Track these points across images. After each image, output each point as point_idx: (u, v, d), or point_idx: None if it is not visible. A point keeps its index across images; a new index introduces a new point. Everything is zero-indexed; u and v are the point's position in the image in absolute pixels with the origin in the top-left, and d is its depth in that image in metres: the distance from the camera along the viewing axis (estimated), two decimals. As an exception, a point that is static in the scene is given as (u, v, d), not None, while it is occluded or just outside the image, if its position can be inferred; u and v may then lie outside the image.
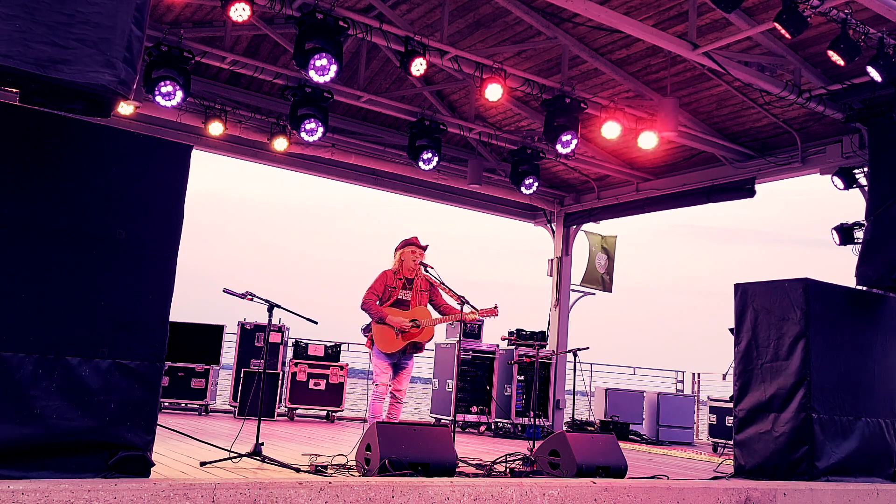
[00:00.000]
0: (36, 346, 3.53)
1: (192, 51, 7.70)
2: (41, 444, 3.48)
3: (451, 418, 9.67)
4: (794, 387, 6.06)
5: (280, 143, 9.59)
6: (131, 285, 3.79)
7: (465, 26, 8.40)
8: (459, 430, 10.54)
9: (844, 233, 9.03)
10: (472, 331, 11.17)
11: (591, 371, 15.21)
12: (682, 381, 15.35)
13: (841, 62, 6.51)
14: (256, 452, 5.05)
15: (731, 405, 7.71)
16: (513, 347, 11.09)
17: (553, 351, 11.68)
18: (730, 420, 10.07)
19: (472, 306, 6.24)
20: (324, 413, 11.01)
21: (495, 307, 6.44)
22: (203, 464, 4.84)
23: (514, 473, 5.29)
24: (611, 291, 13.10)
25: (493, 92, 7.86)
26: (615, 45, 8.42)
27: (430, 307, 6.62)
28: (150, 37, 7.49)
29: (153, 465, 3.76)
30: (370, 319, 6.51)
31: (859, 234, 8.81)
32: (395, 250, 6.67)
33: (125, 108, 8.49)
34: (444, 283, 6.48)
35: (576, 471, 5.23)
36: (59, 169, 3.68)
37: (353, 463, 5.02)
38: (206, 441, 5.56)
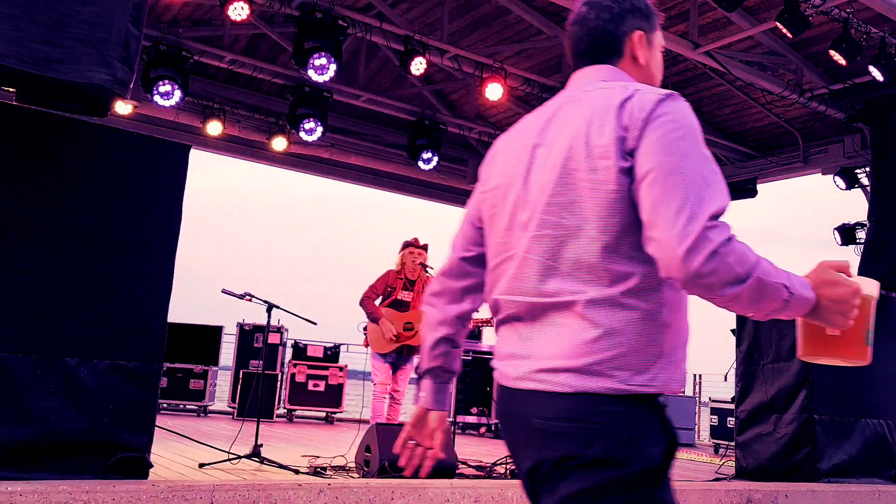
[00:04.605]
0: (34, 347, 3.50)
1: (191, 50, 7.68)
2: (39, 445, 3.45)
3: (450, 419, 9.64)
4: (795, 388, 6.04)
5: (279, 143, 9.56)
6: (129, 285, 3.76)
7: (465, 25, 8.38)
8: (459, 431, 10.51)
9: (846, 233, 9.02)
10: (472, 332, 11.15)
11: (591, 371, 15.14)
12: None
13: (843, 62, 6.49)
14: (255, 454, 5.02)
15: (732, 406, 7.68)
16: (513, 348, 11.06)
17: (553, 351, 11.65)
18: (731, 421, 10.04)
19: None
20: (323, 414, 10.97)
21: None
22: (202, 465, 4.81)
23: (514, 475, 5.26)
24: (611, 291, 13.06)
25: (494, 91, 7.84)
26: (616, 45, 8.39)
27: None
28: (149, 36, 7.47)
29: (151, 466, 3.74)
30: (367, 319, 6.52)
31: (861, 235, 8.80)
32: (398, 253, 6.71)
33: (123, 108, 8.47)
34: None
35: (577, 472, 5.20)
36: (57, 169, 3.65)
37: (353, 464, 4.99)
38: (205, 442, 5.53)
